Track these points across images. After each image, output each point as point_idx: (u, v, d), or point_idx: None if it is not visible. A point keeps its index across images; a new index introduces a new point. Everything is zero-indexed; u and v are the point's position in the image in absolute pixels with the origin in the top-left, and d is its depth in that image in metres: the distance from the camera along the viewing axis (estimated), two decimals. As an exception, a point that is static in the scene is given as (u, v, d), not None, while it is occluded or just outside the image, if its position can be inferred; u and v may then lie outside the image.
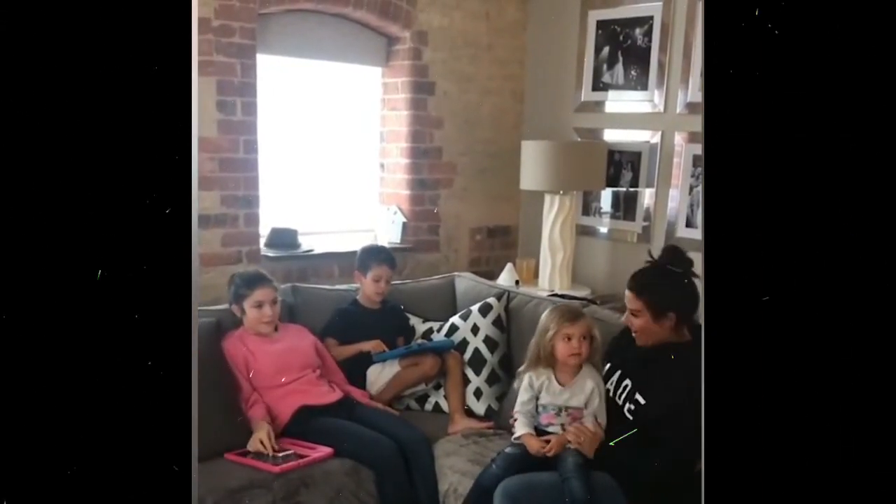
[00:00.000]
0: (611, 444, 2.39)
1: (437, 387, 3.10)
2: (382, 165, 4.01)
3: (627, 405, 2.43)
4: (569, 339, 2.48)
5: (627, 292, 2.46)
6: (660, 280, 2.43)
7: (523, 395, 2.54)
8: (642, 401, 2.39)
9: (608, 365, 2.56)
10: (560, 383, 2.51)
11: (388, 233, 3.89)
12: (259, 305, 2.79)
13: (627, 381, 2.47)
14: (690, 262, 2.44)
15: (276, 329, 2.85)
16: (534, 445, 2.43)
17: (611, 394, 2.51)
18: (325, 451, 2.61)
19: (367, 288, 3.12)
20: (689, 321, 2.44)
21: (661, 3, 3.68)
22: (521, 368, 2.59)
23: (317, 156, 3.77)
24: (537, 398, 2.52)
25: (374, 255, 3.14)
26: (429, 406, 3.10)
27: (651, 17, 3.74)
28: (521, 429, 2.49)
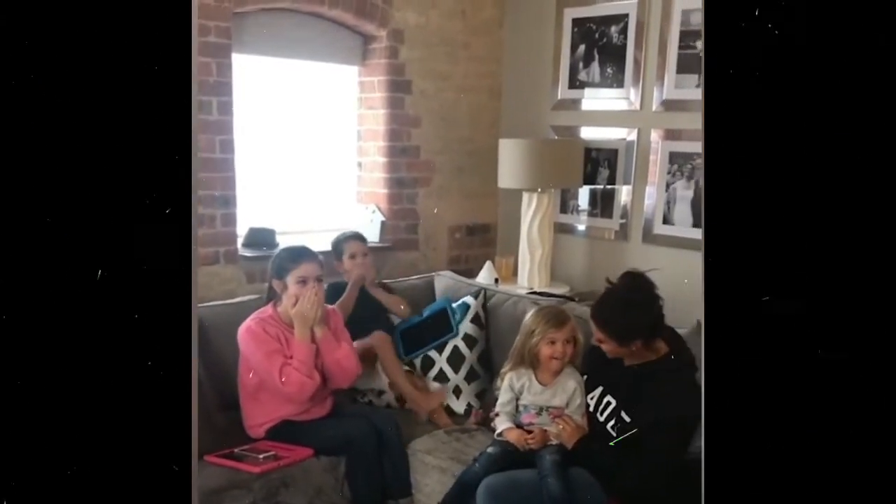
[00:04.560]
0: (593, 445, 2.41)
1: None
2: (360, 164, 4.00)
3: (611, 423, 2.42)
4: (553, 342, 2.49)
5: (591, 321, 2.45)
6: (621, 309, 2.40)
7: (504, 396, 2.55)
8: (627, 419, 2.39)
9: (585, 377, 2.55)
10: (541, 383, 2.52)
11: (367, 232, 3.88)
12: (303, 281, 2.68)
13: (610, 399, 2.45)
14: (651, 286, 2.40)
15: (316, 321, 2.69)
16: (515, 437, 2.45)
17: (590, 408, 2.51)
18: (305, 451, 2.60)
19: (350, 272, 3.16)
20: (659, 338, 2.43)
21: (635, 1, 3.70)
22: (504, 369, 2.60)
23: (294, 155, 3.75)
24: (518, 398, 2.53)
25: (342, 238, 3.25)
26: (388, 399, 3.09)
27: (626, 15, 3.76)
28: (502, 424, 2.50)
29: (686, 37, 3.52)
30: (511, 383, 2.54)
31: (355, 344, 2.94)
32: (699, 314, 2.89)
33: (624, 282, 2.44)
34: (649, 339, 2.39)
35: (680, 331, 2.55)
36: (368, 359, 3.04)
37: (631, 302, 2.39)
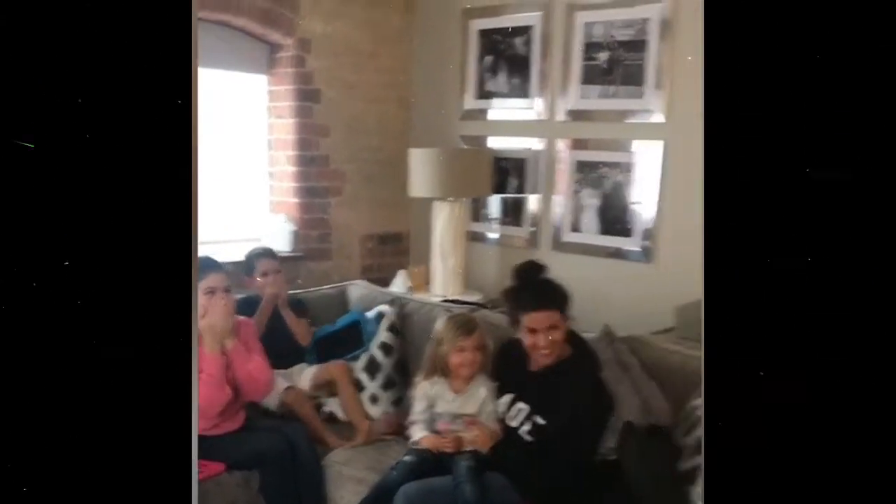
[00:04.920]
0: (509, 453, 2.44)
1: (332, 394, 3.08)
2: (270, 174, 3.95)
3: (524, 427, 2.46)
4: (462, 350, 2.52)
5: (535, 314, 2.41)
6: (547, 288, 2.45)
7: (418, 405, 2.57)
8: (542, 422, 2.43)
9: (497, 384, 2.58)
10: (454, 391, 2.54)
11: (278, 241, 3.84)
12: (211, 292, 2.64)
13: (522, 405, 2.49)
14: (541, 266, 2.51)
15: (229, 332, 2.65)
16: (432, 442, 2.47)
17: (499, 414, 2.54)
18: (216, 466, 2.55)
19: (261, 289, 3.13)
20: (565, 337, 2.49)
21: (540, 14, 3.79)
22: (417, 378, 2.62)
23: (203, 165, 3.67)
24: (433, 407, 2.55)
25: (254, 254, 3.22)
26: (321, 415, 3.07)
27: (530, 27, 3.84)
28: (418, 433, 2.52)
29: (589, 48, 3.62)
30: (425, 392, 2.56)
31: (314, 371, 3.02)
32: (607, 319, 2.98)
33: (525, 269, 2.51)
34: (568, 315, 2.46)
35: (588, 335, 2.61)
36: (325, 387, 3.04)
37: (538, 278, 2.48)
